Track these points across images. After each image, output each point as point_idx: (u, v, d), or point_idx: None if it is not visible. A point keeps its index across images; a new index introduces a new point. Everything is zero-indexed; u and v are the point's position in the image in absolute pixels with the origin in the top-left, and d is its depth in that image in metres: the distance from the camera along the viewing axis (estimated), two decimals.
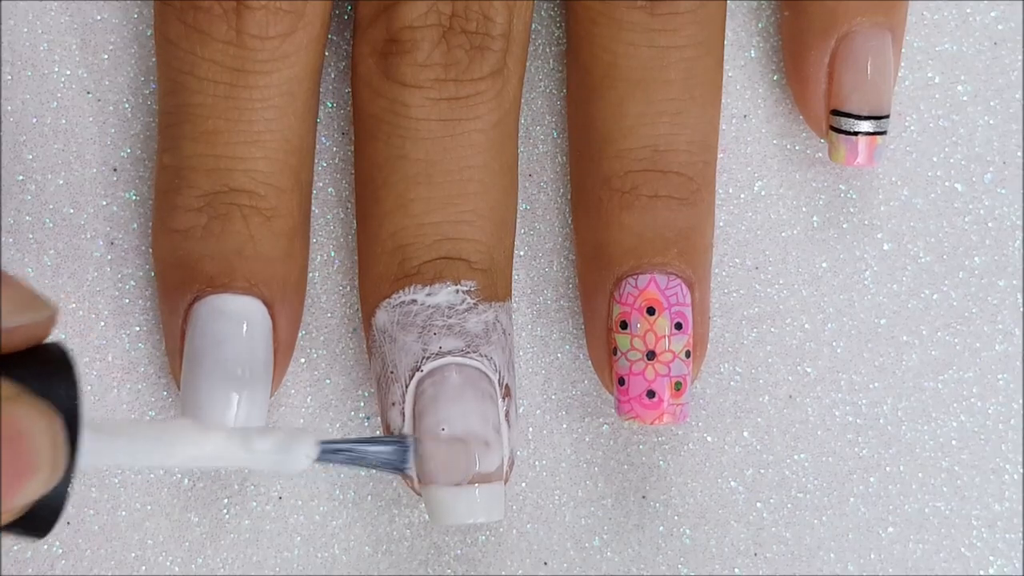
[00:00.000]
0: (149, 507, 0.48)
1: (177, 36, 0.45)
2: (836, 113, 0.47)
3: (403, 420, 0.44)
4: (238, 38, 0.44)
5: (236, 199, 0.45)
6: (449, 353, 0.44)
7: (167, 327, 0.46)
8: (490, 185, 0.45)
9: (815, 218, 0.49)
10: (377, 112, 0.45)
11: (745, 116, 0.49)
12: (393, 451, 0.40)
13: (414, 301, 0.45)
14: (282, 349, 0.46)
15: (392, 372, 0.45)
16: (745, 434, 0.49)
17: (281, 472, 0.39)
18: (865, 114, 0.46)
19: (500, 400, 0.45)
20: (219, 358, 0.44)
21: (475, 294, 0.45)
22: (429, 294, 0.45)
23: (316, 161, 0.48)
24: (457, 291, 0.45)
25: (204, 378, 0.44)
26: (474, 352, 0.45)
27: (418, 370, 0.44)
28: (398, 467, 0.40)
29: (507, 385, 0.45)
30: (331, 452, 0.39)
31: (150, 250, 0.47)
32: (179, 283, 0.45)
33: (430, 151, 0.45)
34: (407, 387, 0.45)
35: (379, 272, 0.45)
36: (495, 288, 0.45)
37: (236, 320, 0.44)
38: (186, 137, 0.45)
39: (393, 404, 0.45)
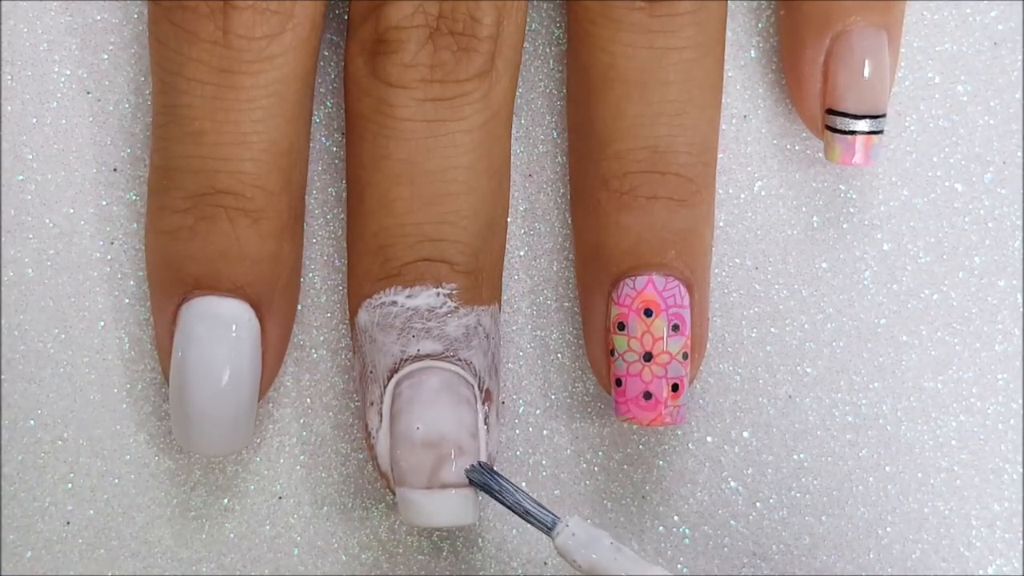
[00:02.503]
0: (149, 507, 0.48)
1: (166, 36, 0.45)
2: (832, 112, 0.46)
3: (380, 420, 0.44)
4: (224, 38, 0.44)
5: (222, 200, 0.45)
6: (427, 356, 0.44)
7: (157, 328, 0.46)
8: (475, 186, 0.45)
9: (815, 218, 0.49)
10: (364, 111, 0.45)
11: (745, 116, 0.49)
12: (544, 520, 0.43)
13: (394, 303, 0.45)
14: (271, 352, 0.46)
15: (371, 372, 0.45)
16: (745, 434, 0.49)
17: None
18: (861, 113, 0.46)
19: (479, 405, 0.45)
20: (205, 360, 0.44)
21: (456, 297, 0.45)
22: (409, 296, 0.45)
23: (316, 161, 0.48)
24: (438, 294, 0.45)
25: (190, 378, 0.44)
26: (452, 356, 0.45)
27: (396, 371, 0.44)
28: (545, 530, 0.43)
29: (488, 390, 0.45)
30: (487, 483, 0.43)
31: None
32: (167, 284, 0.45)
33: (413, 151, 0.45)
34: (385, 388, 0.45)
35: (362, 271, 0.45)
36: (479, 291, 0.45)
37: (222, 322, 0.44)
38: (174, 138, 0.45)
39: (371, 404, 0.45)
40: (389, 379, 0.45)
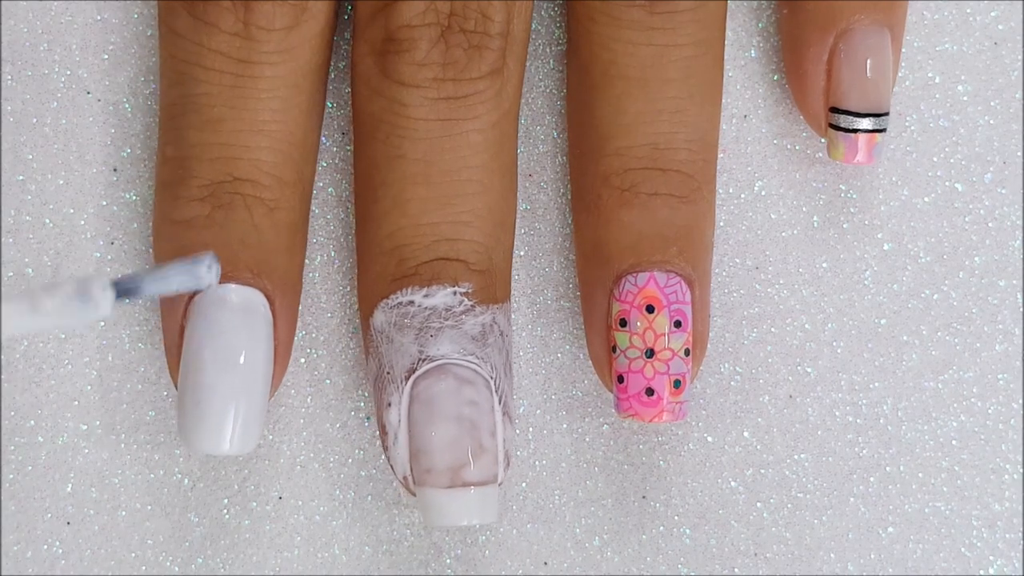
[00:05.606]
0: (149, 507, 0.48)
1: (185, 28, 0.45)
2: (835, 110, 0.47)
3: (398, 421, 0.44)
4: (245, 30, 0.44)
5: (240, 188, 0.45)
6: (445, 356, 0.44)
7: (166, 322, 0.45)
8: (488, 185, 0.45)
9: (815, 218, 0.49)
10: (376, 111, 0.45)
11: (745, 116, 0.49)
12: (190, 268, 0.37)
13: (411, 302, 0.45)
14: (281, 348, 0.45)
15: (388, 373, 0.45)
16: (745, 434, 0.49)
17: (84, 321, 0.36)
18: (864, 111, 0.46)
19: (496, 403, 0.45)
20: (220, 349, 0.44)
21: (473, 296, 0.45)
22: (426, 295, 0.45)
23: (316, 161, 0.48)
24: (455, 293, 0.45)
25: (204, 370, 0.44)
26: (471, 355, 0.45)
27: (414, 371, 0.44)
28: (199, 283, 0.37)
29: (503, 388, 0.45)
30: (129, 289, 0.36)
31: (150, 250, 0.47)
32: None
33: (428, 151, 0.45)
34: (403, 388, 0.44)
35: (377, 272, 0.45)
36: (493, 290, 0.45)
37: (238, 311, 0.44)
38: (191, 127, 0.45)
39: (389, 405, 0.45)
40: (407, 379, 0.44)
